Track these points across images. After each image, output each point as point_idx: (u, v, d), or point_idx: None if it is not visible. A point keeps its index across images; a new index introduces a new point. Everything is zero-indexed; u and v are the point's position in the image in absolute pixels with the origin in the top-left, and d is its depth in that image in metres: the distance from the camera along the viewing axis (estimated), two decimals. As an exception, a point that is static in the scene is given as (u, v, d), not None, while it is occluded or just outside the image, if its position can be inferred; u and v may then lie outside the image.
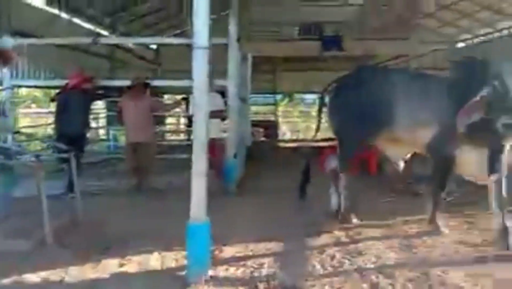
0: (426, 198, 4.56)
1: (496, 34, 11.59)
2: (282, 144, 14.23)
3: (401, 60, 11.04)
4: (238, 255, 3.83)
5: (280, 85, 14.36)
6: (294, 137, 17.07)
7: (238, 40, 5.97)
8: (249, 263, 3.65)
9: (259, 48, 9.62)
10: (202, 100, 2.86)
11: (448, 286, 3.22)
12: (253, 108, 17.21)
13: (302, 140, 15.50)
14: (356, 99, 4.49)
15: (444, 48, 12.14)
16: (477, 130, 3.76)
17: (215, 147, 5.99)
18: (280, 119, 18.22)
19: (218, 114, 6.10)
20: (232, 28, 5.84)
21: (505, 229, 3.91)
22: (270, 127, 14.28)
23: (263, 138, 14.38)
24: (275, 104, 15.18)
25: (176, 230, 3.67)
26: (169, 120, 13.35)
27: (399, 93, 4.34)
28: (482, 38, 12.19)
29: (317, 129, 5.21)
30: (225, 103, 6.26)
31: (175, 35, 10.12)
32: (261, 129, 14.52)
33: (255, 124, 14.82)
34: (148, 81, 6.41)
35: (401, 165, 4.84)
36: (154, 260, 3.69)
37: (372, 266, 3.60)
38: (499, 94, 3.53)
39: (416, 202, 5.61)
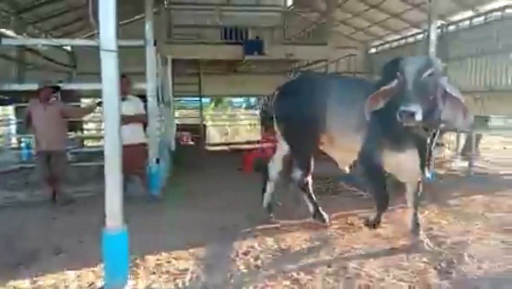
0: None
1: (403, 41, 12.60)
2: (210, 148, 14.19)
3: (320, 65, 11.50)
4: (160, 262, 3.74)
5: (206, 89, 14.30)
6: (224, 140, 17.15)
7: (155, 43, 5.85)
8: (172, 269, 3.59)
9: (180, 51, 9.47)
10: (113, 104, 2.76)
11: (363, 277, 3.41)
12: (181, 112, 16.99)
13: (230, 143, 15.61)
14: (296, 105, 4.54)
15: (356, 54, 12.87)
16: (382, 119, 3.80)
17: (137, 153, 5.79)
18: (208, 123, 18.13)
19: (139, 119, 5.91)
20: (148, 31, 5.74)
21: (417, 224, 4.23)
22: (198, 131, 14.14)
23: (190, 142, 14.23)
24: (202, 107, 15.01)
25: (93, 241, 3.50)
26: (90, 125, 12.67)
27: (333, 99, 4.40)
28: (392, 44, 13.17)
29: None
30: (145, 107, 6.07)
31: (89, 37, 9.60)
32: (189, 133, 14.35)
33: (182, 128, 14.61)
34: (59, 84, 6.02)
35: (347, 170, 4.94)
36: (70, 275, 3.48)
37: (294, 263, 3.71)
38: (400, 85, 3.59)
39: (335, 200, 5.92)
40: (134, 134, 5.69)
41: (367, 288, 3.24)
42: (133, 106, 5.72)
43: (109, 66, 2.73)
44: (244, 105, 24.24)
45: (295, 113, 4.53)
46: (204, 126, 14.99)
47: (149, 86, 5.89)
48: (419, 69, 3.46)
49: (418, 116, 3.31)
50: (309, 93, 4.54)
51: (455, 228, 4.62)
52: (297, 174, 4.74)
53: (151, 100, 5.93)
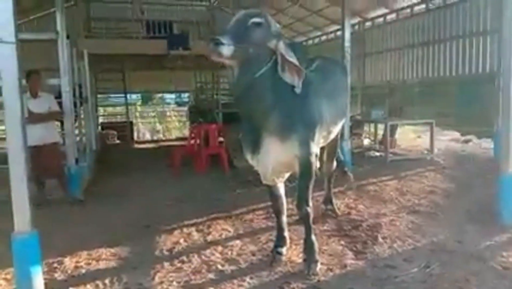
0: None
1: (324, 37, 13.14)
2: (138, 145, 13.78)
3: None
4: (79, 264, 3.60)
5: (133, 85, 13.80)
6: (155, 138, 16.74)
7: (68, 36, 5.53)
8: (91, 270, 3.47)
9: (99, 46, 9.04)
10: (14, 101, 2.58)
11: (286, 263, 3.53)
12: (107, 109, 16.26)
13: (159, 140, 15.27)
14: None
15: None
16: None
17: (52, 153, 5.47)
18: (137, 120, 17.58)
19: (52, 117, 5.56)
20: (59, 24, 5.41)
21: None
22: (124, 129, 13.63)
23: (117, 141, 13.72)
24: (127, 104, 14.45)
25: (6, 248, 3.27)
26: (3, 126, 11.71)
27: None
28: (314, 40, 13.68)
29: None
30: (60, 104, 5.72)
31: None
32: (114, 132, 13.81)
33: (108, 126, 14.03)
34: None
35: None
36: (-22, 284, 3.24)
37: (219, 255, 3.74)
38: None
39: (261, 191, 6.04)
40: (47, 133, 5.37)
41: (291, 275, 3.35)
42: (45, 104, 5.38)
43: (8, 60, 2.54)
44: (173, 102, 23.70)
45: None
46: (131, 123, 14.52)
47: (63, 82, 5.56)
48: (246, 14, 3.07)
49: (227, 51, 2.84)
50: None
51: (371, 211, 4.92)
52: None
53: (66, 96, 5.60)
